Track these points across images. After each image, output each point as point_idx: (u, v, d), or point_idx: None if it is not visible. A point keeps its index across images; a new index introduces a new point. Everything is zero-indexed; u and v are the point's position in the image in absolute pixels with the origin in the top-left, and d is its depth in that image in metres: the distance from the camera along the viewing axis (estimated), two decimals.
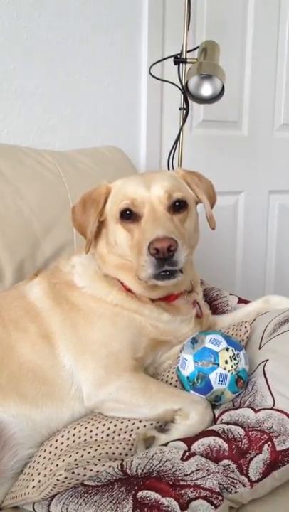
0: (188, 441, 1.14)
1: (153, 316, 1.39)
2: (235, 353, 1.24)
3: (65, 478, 1.09)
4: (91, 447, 1.17)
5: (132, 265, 1.35)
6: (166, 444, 1.15)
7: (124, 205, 1.34)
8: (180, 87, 2.16)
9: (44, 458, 1.20)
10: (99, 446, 1.17)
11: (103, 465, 1.12)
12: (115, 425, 1.23)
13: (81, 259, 1.48)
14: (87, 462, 1.13)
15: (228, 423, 1.17)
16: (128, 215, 1.34)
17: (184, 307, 1.46)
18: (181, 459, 1.07)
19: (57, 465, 1.15)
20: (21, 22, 2.09)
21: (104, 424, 1.23)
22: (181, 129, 2.20)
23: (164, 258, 1.23)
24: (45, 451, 1.22)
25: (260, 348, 1.39)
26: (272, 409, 1.17)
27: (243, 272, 2.99)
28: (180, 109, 2.19)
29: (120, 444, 1.19)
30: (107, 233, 1.42)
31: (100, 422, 1.24)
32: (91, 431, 1.22)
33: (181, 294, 1.46)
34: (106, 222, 1.42)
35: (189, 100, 2.13)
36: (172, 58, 2.14)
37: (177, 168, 1.55)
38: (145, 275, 1.27)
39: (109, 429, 1.22)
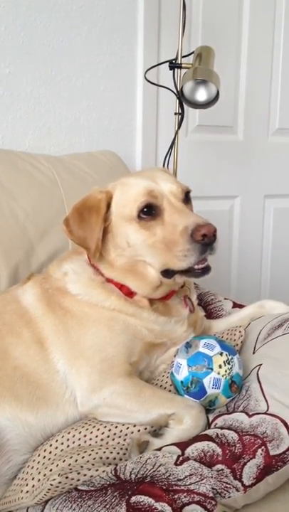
0: (182, 445, 1.14)
1: (151, 318, 1.39)
2: (229, 357, 1.25)
3: (59, 483, 1.09)
4: (85, 452, 1.17)
5: (142, 266, 1.36)
6: (160, 449, 1.15)
7: (144, 202, 1.32)
8: (175, 92, 2.16)
9: (38, 463, 1.20)
10: (93, 450, 1.17)
11: (97, 470, 1.12)
12: (109, 430, 1.23)
13: (74, 266, 1.46)
14: (81, 467, 1.13)
15: (222, 428, 1.17)
16: (147, 212, 1.32)
17: (177, 308, 1.46)
18: (175, 464, 1.07)
19: (51, 470, 1.15)
20: (17, 26, 2.10)
21: (98, 429, 1.23)
22: (176, 133, 2.20)
23: (209, 243, 1.25)
24: (39, 455, 1.22)
25: (254, 353, 1.40)
26: (266, 413, 1.17)
27: (238, 277, 2.99)
28: (175, 113, 2.19)
29: (114, 448, 1.19)
30: (113, 237, 1.40)
31: (94, 427, 1.24)
32: (85, 435, 1.22)
33: (177, 290, 1.47)
34: (110, 228, 1.40)
35: (184, 105, 2.14)
36: (167, 63, 2.15)
37: (156, 167, 1.55)
38: (186, 264, 1.27)
39: (103, 433, 1.22)
